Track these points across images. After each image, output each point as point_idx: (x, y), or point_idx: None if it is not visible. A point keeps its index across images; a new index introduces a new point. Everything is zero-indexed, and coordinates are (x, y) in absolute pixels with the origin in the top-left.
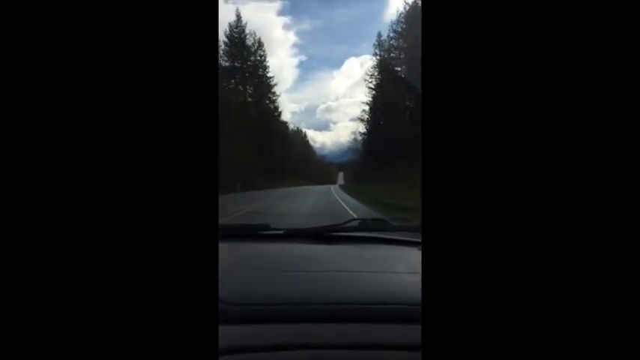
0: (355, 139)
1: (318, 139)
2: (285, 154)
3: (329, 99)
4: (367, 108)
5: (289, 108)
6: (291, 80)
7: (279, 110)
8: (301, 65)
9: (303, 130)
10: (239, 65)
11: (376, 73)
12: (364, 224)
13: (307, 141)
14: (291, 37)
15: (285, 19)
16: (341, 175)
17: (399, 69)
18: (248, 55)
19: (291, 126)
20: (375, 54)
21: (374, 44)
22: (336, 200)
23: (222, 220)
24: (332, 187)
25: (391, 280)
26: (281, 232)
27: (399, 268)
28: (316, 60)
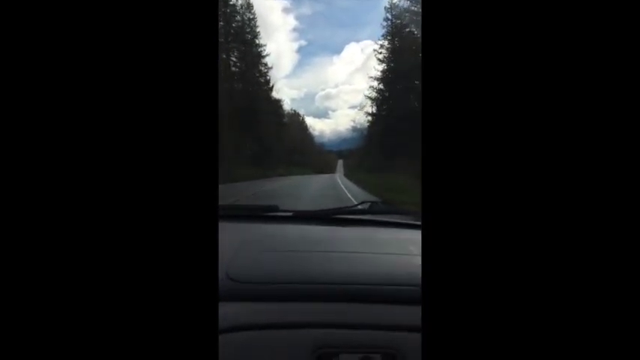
0: (355, 127)
1: (317, 126)
2: (278, 138)
3: (328, 86)
4: (375, 83)
5: (288, 94)
6: (290, 66)
7: (271, 85)
8: (301, 50)
9: (302, 114)
10: (220, 24)
11: (386, 43)
12: (375, 207)
13: (305, 126)
14: (291, 20)
15: (285, 2)
16: (340, 163)
17: (416, 32)
18: (232, 13)
19: (287, 108)
20: (387, 19)
21: (385, 7)
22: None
23: None
24: (336, 176)
25: (401, 262)
26: (290, 214)
27: (410, 249)
28: (316, 45)
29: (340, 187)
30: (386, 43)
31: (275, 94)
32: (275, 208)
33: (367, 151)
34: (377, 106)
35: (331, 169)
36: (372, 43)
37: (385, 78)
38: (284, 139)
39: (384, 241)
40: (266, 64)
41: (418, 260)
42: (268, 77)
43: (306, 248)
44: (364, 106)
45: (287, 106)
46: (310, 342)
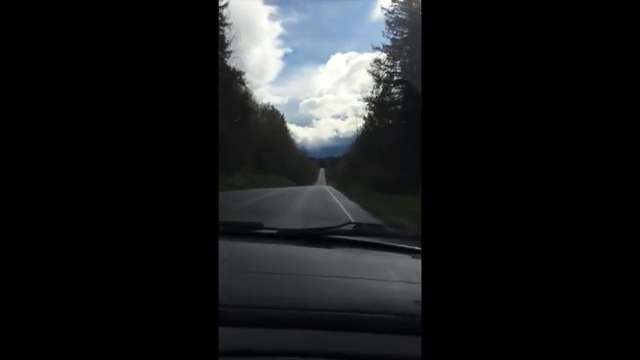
0: (338, 137)
1: (300, 134)
2: (246, 136)
3: (313, 94)
4: (373, 83)
5: (272, 101)
6: (274, 72)
7: (241, 72)
8: (286, 58)
9: (280, 112)
10: None
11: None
12: (359, 228)
13: (285, 126)
14: (277, 27)
15: (272, 9)
16: (322, 171)
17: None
18: None
19: (263, 100)
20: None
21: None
22: None
23: None
24: (326, 189)
25: (381, 289)
26: (274, 231)
27: (390, 275)
28: (302, 54)
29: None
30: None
31: (232, 63)
32: (259, 226)
33: (355, 161)
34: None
35: (312, 178)
36: (358, 54)
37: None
38: (253, 139)
39: (365, 265)
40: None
41: (396, 287)
42: (238, 65)
43: (286, 271)
44: (364, 102)
45: (262, 100)
46: None
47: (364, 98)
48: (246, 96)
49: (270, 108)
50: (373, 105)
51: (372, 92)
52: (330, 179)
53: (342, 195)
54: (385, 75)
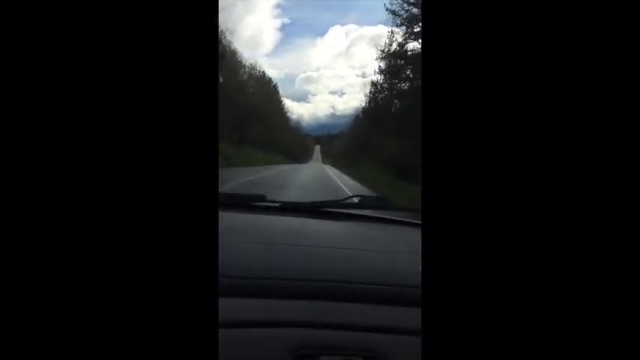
0: (334, 114)
1: (296, 110)
2: (224, 101)
3: (310, 68)
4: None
5: (267, 74)
6: (270, 44)
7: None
8: (283, 28)
9: (273, 80)
10: None
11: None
12: (365, 201)
13: (278, 97)
14: None
15: None
16: (318, 148)
17: None
18: None
19: (258, 68)
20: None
21: None
22: None
23: None
24: (326, 169)
25: (390, 260)
26: (277, 204)
27: (399, 247)
28: (299, 25)
29: None
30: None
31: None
32: (262, 198)
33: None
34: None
35: (308, 156)
36: (357, 27)
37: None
38: (241, 108)
39: (372, 237)
40: None
41: (406, 259)
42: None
43: (290, 241)
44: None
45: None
46: (290, 342)
47: (381, 51)
48: (229, 54)
49: (260, 73)
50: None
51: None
52: (327, 157)
53: (352, 181)
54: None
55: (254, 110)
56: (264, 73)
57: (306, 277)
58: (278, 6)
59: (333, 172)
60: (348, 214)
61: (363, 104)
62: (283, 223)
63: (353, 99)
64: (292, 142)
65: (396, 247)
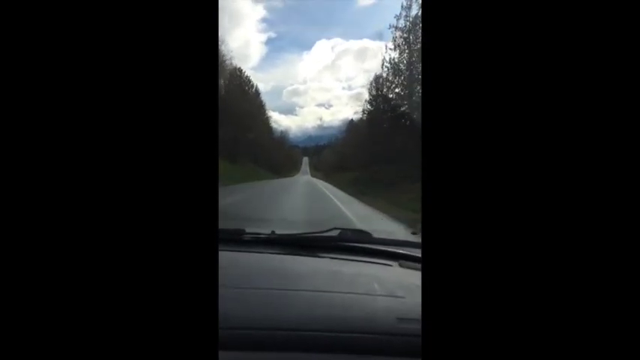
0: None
1: (283, 122)
2: None
3: (297, 81)
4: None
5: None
6: (257, 58)
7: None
8: (269, 43)
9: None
10: None
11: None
12: (344, 234)
13: (260, 101)
14: (260, 10)
15: None
16: (306, 160)
17: None
18: None
19: (233, 63)
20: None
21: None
22: None
23: None
24: (319, 185)
25: (366, 305)
26: (257, 237)
27: (374, 288)
28: (286, 39)
29: None
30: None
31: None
32: (241, 232)
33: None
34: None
35: (294, 169)
36: (343, 41)
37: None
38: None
39: (349, 277)
40: None
41: (380, 303)
42: None
43: (268, 285)
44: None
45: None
46: None
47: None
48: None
49: (236, 68)
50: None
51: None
52: (316, 170)
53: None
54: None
55: (233, 117)
56: (240, 71)
57: (285, 327)
58: (264, 20)
59: (330, 192)
60: (330, 246)
61: (350, 116)
62: (262, 262)
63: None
64: (277, 153)
65: (373, 289)
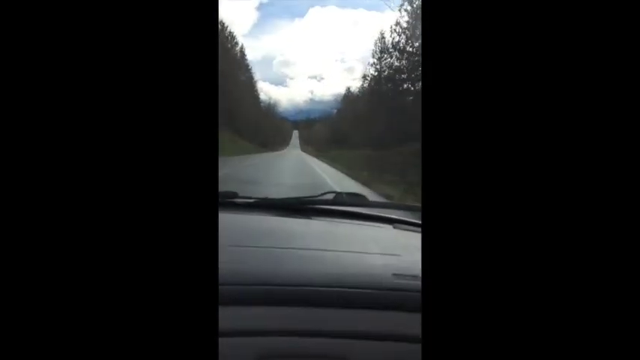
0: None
1: (273, 94)
2: None
3: (288, 51)
4: None
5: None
6: (248, 25)
7: None
8: (261, 8)
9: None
10: None
11: None
12: (339, 198)
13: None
14: None
15: None
16: (296, 134)
17: None
18: None
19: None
20: None
21: None
22: None
23: None
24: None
25: (358, 262)
26: (250, 201)
27: (370, 247)
28: (278, 5)
29: None
30: None
31: None
32: (234, 195)
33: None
34: None
35: (284, 142)
36: (338, 10)
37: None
38: None
39: (344, 237)
40: None
41: (376, 260)
42: None
43: (261, 244)
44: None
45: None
46: (254, 351)
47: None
48: None
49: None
50: None
51: None
52: (307, 143)
53: None
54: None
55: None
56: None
57: (280, 283)
58: None
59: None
60: (324, 209)
61: (342, 90)
62: (257, 222)
63: (332, 84)
64: (268, 126)
65: (366, 248)
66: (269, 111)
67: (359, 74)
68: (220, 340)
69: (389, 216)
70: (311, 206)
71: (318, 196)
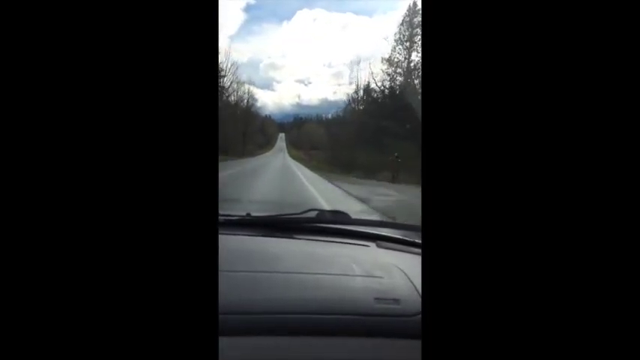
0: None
1: (260, 97)
2: None
3: (275, 54)
4: None
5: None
6: (235, 26)
7: None
8: (248, 10)
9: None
10: None
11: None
12: (321, 216)
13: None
14: None
15: None
16: (282, 136)
17: None
18: None
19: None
20: None
21: None
22: None
23: None
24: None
25: (343, 286)
26: (233, 218)
27: (353, 268)
28: (265, 8)
29: None
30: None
31: None
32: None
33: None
34: None
35: (269, 145)
36: (326, 13)
37: None
38: None
39: (325, 258)
40: None
41: (357, 283)
42: None
43: (237, 268)
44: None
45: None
46: None
47: None
48: None
49: None
50: None
51: None
52: (295, 147)
53: None
54: None
55: None
56: None
57: (261, 311)
58: None
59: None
60: (305, 227)
61: (329, 95)
62: (237, 243)
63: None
64: (254, 127)
65: (349, 269)
66: (256, 114)
67: (346, 79)
68: None
69: (372, 232)
70: (294, 225)
71: (301, 213)
